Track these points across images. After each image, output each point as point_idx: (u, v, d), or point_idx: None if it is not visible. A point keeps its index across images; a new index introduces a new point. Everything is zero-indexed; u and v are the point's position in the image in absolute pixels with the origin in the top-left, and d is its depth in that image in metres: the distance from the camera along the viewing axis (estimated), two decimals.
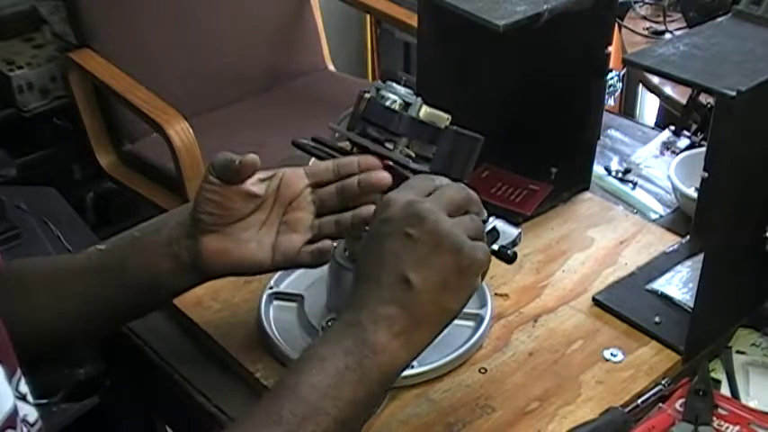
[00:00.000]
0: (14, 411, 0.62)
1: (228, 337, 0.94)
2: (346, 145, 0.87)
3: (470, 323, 0.95)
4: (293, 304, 0.97)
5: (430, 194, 0.74)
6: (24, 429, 0.64)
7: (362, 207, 0.84)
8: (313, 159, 0.92)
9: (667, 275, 1.02)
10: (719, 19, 0.94)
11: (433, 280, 0.71)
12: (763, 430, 0.85)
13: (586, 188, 1.20)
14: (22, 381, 0.66)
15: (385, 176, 0.82)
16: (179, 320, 0.98)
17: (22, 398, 0.66)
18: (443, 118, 0.84)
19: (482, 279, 0.74)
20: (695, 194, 1.09)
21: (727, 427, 0.85)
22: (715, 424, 0.85)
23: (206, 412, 0.89)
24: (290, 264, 0.85)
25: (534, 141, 1.14)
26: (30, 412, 0.66)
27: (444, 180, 0.76)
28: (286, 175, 0.86)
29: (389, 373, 0.71)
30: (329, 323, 0.92)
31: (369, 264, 0.73)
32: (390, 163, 0.83)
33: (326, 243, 0.85)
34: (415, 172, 0.83)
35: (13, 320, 0.68)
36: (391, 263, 0.71)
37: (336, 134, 0.88)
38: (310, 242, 0.85)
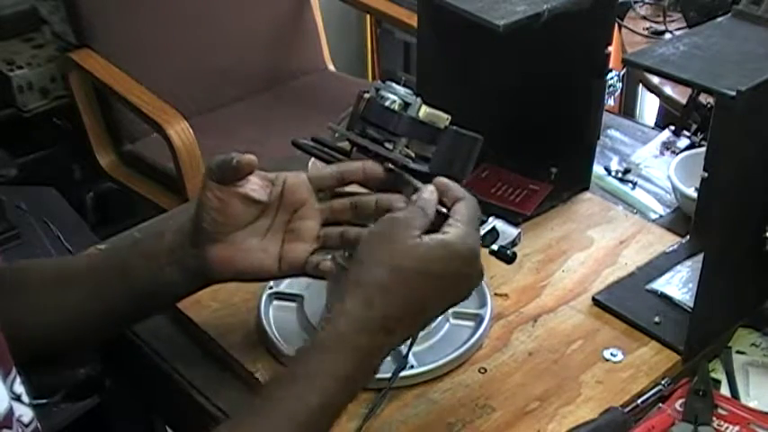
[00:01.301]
0: (10, 411, 0.62)
1: (228, 336, 0.94)
2: (346, 145, 0.87)
3: (470, 323, 0.95)
4: (293, 304, 0.97)
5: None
6: (19, 430, 0.64)
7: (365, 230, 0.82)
8: (312, 159, 0.92)
9: (667, 275, 1.02)
10: (719, 19, 0.94)
11: (440, 311, 0.78)
12: (763, 430, 0.85)
13: (586, 188, 1.20)
14: (17, 381, 0.66)
15: (400, 201, 0.82)
16: (179, 320, 0.98)
17: (17, 398, 0.65)
18: (443, 118, 0.84)
19: None
20: (695, 194, 1.09)
21: (727, 428, 0.85)
22: (715, 424, 0.85)
23: (206, 412, 0.89)
24: (296, 273, 0.85)
25: (534, 141, 1.14)
26: (25, 413, 0.66)
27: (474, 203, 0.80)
28: (289, 181, 0.85)
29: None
30: None
31: (417, 297, 0.74)
32: (390, 165, 0.83)
33: (326, 264, 0.83)
34: (414, 173, 0.83)
35: (13, 321, 0.68)
36: (432, 308, 0.76)
37: (336, 134, 0.88)
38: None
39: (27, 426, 0.66)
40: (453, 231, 0.75)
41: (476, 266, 0.76)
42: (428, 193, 0.78)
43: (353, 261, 0.75)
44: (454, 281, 0.75)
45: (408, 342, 0.88)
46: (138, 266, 0.83)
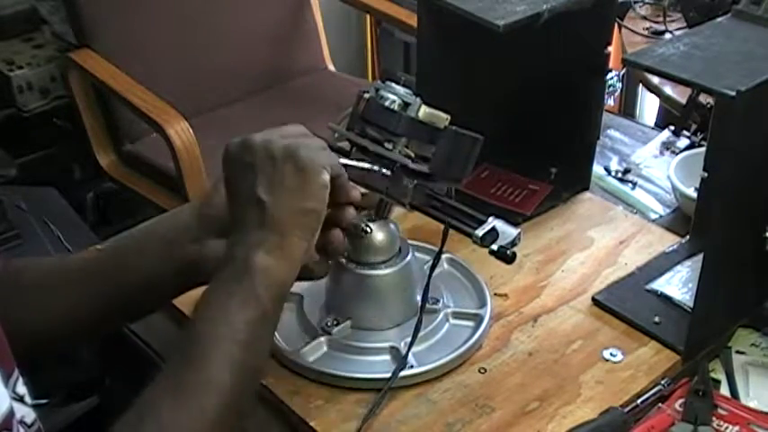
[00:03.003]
0: (11, 413, 0.62)
1: None
2: (346, 145, 0.87)
3: (470, 323, 0.95)
4: (293, 304, 0.97)
5: None
6: (21, 431, 0.64)
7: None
8: None
9: (667, 275, 1.02)
10: (719, 19, 0.94)
11: (280, 190, 0.75)
12: (763, 430, 0.85)
13: (586, 188, 1.20)
14: (20, 382, 0.66)
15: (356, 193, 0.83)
16: (179, 321, 0.98)
17: (20, 399, 0.65)
18: (443, 118, 0.84)
19: (331, 174, 0.77)
20: (695, 194, 1.09)
21: (727, 427, 0.85)
22: (714, 424, 0.85)
23: None
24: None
25: (534, 141, 1.14)
26: (27, 414, 0.66)
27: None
28: None
29: (274, 286, 0.73)
30: (328, 324, 0.92)
31: (231, 206, 0.77)
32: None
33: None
34: (414, 173, 0.83)
35: (10, 320, 0.68)
36: (243, 194, 0.76)
37: (336, 134, 0.88)
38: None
39: (30, 426, 0.66)
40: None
41: (233, 147, 0.78)
42: None
43: None
44: (232, 167, 0.77)
45: (408, 342, 0.88)
46: (134, 262, 0.83)
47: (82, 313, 0.84)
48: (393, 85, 0.85)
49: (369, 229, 0.88)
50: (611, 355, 0.92)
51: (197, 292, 0.92)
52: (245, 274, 0.72)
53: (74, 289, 0.84)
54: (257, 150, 0.76)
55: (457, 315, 0.96)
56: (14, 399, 0.64)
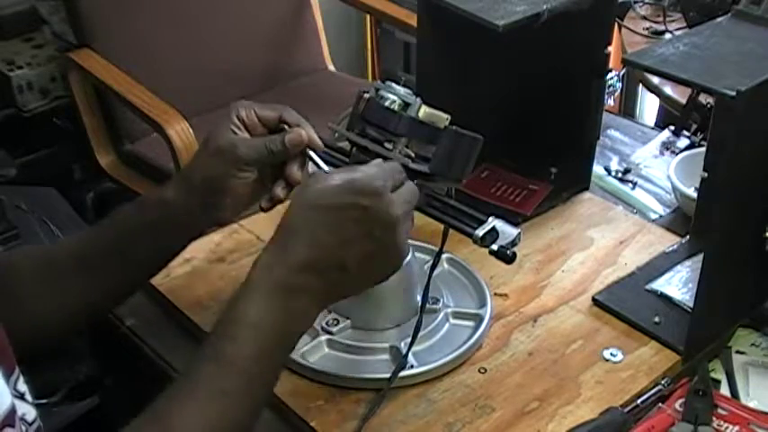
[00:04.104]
0: (12, 410, 0.62)
1: None
2: (346, 145, 0.87)
3: (470, 323, 0.95)
4: None
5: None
6: (23, 428, 0.64)
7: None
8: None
9: (667, 275, 1.02)
10: (719, 19, 0.94)
11: (365, 269, 0.74)
12: (763, 430, 0.85)
13: (586, 188, 1.20)
14: (21, 379, 0.66)
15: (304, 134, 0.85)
16: (179, 321, 0.98)
17: (21, 396, 0.66)
18: (443, 118, 0.84)
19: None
20: (695, 194, 1.09)
21: (727, 427, 0.85)
22: (715, 424, 0.85)
23: None
24: None
25: (534, 141, 1.14)
26: (28, 411, 0.66)
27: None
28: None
29: (304, 332, 0.75)
30: (329, 323, 0.92)
31: (320, 232, 0.72)
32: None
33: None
34: (414, 173, 0.83)
35: (11, 315, 0.68)
36: (339, 247, 0.72)
37: (336, 134, 0.88)
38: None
39: (31, 424, 0.67)
40: (362, 168, 0.75)
41: (375, 200, 0.72)
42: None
43: None
44: (354, 214, 0.72)
45: (408, 342, 0.88)
46: (126, 247, 0.87)
47: (73, 300, 0.85)
48: (393, 85, 0.85)
49: None
50: (611, 355, 0.92)
51: (196, 293, 0.93)
52: (293, 320, 0.71)
53: (64, 277, 0.84)
54: (379, 209, 0.72)
55: (457, 315, 0.96)
56: (15, 396, 0.64)
